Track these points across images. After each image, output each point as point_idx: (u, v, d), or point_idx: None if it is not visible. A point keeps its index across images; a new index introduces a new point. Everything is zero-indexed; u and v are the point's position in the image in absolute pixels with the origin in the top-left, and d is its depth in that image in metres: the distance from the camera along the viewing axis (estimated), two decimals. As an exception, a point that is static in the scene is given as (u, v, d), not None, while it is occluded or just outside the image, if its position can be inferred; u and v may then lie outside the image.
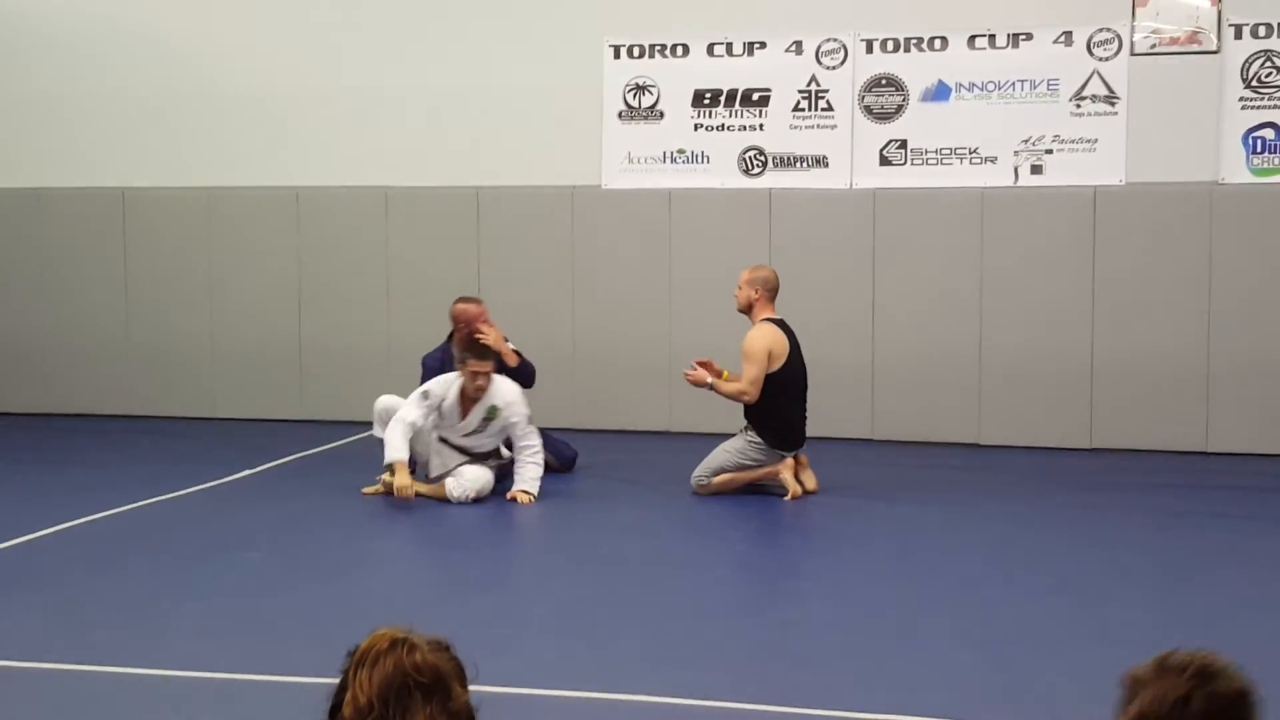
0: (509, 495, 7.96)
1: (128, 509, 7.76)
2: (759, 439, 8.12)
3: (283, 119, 10.71)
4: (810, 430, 9.08)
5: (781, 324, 8.20)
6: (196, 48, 10.82)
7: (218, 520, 7.60)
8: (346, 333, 10.64)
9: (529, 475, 8.03)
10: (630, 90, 10.18)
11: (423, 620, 5.65)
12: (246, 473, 8.82)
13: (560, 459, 8.81)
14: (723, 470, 8.14)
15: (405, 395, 8.30)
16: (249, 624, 5.69)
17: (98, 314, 11.06)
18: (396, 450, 7.87)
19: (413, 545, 7.25)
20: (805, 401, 8.30)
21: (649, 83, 10.15)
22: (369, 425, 10.31)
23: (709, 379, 8.08)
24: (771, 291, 8.22)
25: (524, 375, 8.53)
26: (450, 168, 10.41)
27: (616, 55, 10.19)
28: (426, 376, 8.51)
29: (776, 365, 8.07)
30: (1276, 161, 9.21)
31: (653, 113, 10.14)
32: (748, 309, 8.22)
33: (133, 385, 11.01)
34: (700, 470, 8.16)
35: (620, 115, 10.20)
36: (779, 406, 8.12)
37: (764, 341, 8.06)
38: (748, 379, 8.02)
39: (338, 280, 10.64)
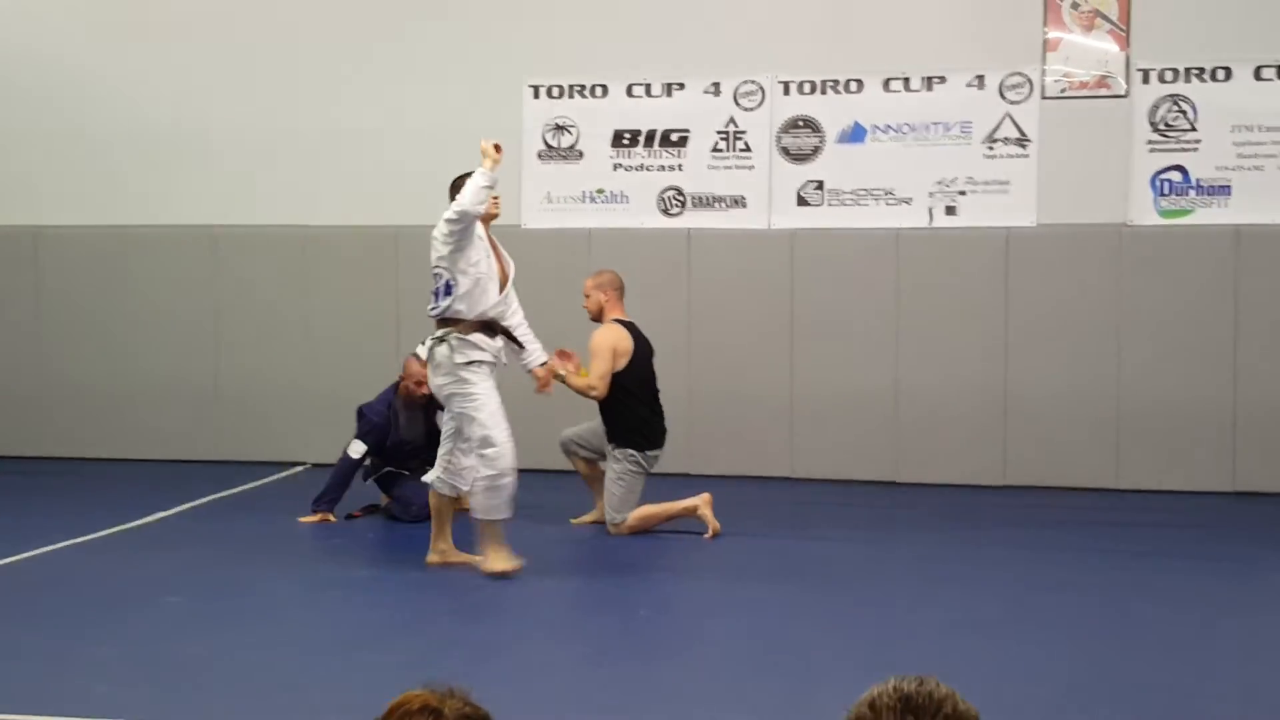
0: (546, 369, 7.54)
1: (41, 552, 7.64)
2: (627, 448, 8.20)
3: (200, 158, 10.64)
4: (731, 468, 9.15)
5: (630, 326, 8.37)
6: (111, 85, 10.73)
7: (135, 563, 7.51)
8: (264, 373, 10.56)
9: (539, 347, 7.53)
10: (550, 130, 10.22)
11: (341, 664, 5.63)
12: (163, 514, 8.71)
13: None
14: (623, 503, 8.17)
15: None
16: (169, 670, 5.61)
17: (9, 353, 10.88)
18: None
19: (333, 589, 7.18)
20: (658, 401, 8.42)
21: (568, 123, 10.20)
22: (286, 466, 10.29)
23: (560, 370, 8.10)
24: (619, 291, 8.42)
25: None
26: (370, 207, 10.39)
27: (536, 95, 10.23)
28: (367, 429, 8.52)
29: (622, 364, 8.22)
30: (1183, 203, 9.42)
31: (572, 152, 10.19)
32: (599, 313, 8.39)
33: (44, 426, 10.83)
34: (610, 512, 8.20)
35: (540, 155, 10.24)
36: (630, 408, 8.24)
37: (609, 340, 8.23)
38: (595, 374, 8.18)
39: (255, 320, 10.56)
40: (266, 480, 9.93)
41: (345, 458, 8.56)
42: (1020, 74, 9.57)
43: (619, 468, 8.23)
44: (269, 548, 7.90)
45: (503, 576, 7.03)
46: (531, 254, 10.18)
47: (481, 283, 7.14)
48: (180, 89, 10.66)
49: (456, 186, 7.29)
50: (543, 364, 7.61)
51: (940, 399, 9.69)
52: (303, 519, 8.48)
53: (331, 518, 8.52)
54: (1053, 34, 9.54)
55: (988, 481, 9.62)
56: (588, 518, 8.50)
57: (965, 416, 9.65)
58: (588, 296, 8.43)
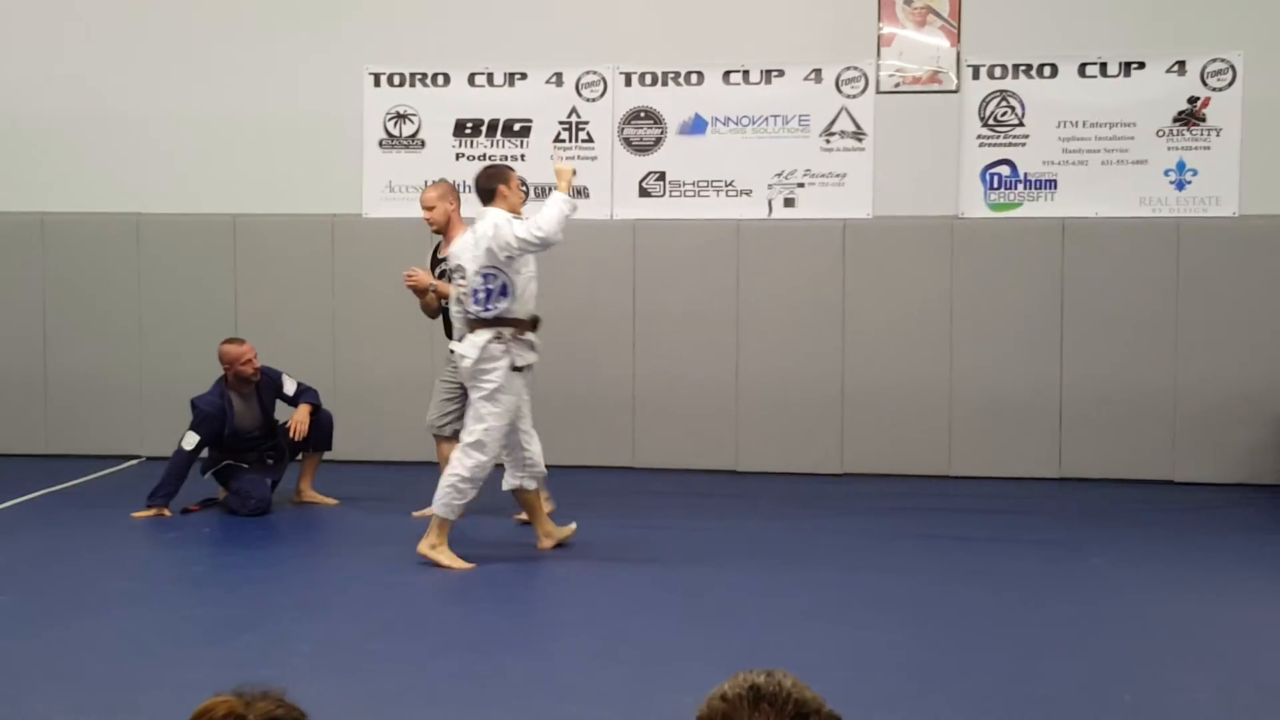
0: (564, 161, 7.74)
1: None
2: None
3: (28, 140, 10.33)
4: (573, 459, 9.18)
5: None
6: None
7: (-42, 563, 7.27)
8: (96, 364, 10.30)
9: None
10: (391, 119, 10.13)
11: (177, 663, 5.52)
12: (-12, 511, 8.46)
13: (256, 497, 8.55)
14: None
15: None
16: (-5, 673, 5.46)
17: None
18: None
19: (170, 584, 7.05)
20: None
21: (410, 111, 10.12)
22: (119, 460, 10.06)
23: (430, 282, 8.05)
24: (459, 200, 8.35)
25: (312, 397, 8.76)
26: (206, 194, 10.19)
27: (376, 83, 10.13)
28: (200, 420, 8.37)
29: None
30: (1012, 197, 9.69)
31: (414, 141, 10.12)
32: (446, 225, 8.23)
33: None
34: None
35: (381, 143, 10.14)
36: None
37: None
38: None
39: (86, 309, 10.29)
40: (99, 474, 9.68)
41: (179, 450, 8.40)
42: (856, 68, 9.75)
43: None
44: (101, 544, 7.72)
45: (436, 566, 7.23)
46: (373, 244, 10.12)
47: (533, 283, 7.30)
48: (7, 71, 10.33)
49: (487, 182, 7.36)
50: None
51: (779, 388, 9.83)
52: (137, 514, 8.30)
53: (166, 512, 8.35)
54: (887, 29, 9.73)
55: (826, 470, 9.79)
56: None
57: (803, 406, 9.81)
58: (431, 209, 8.16)
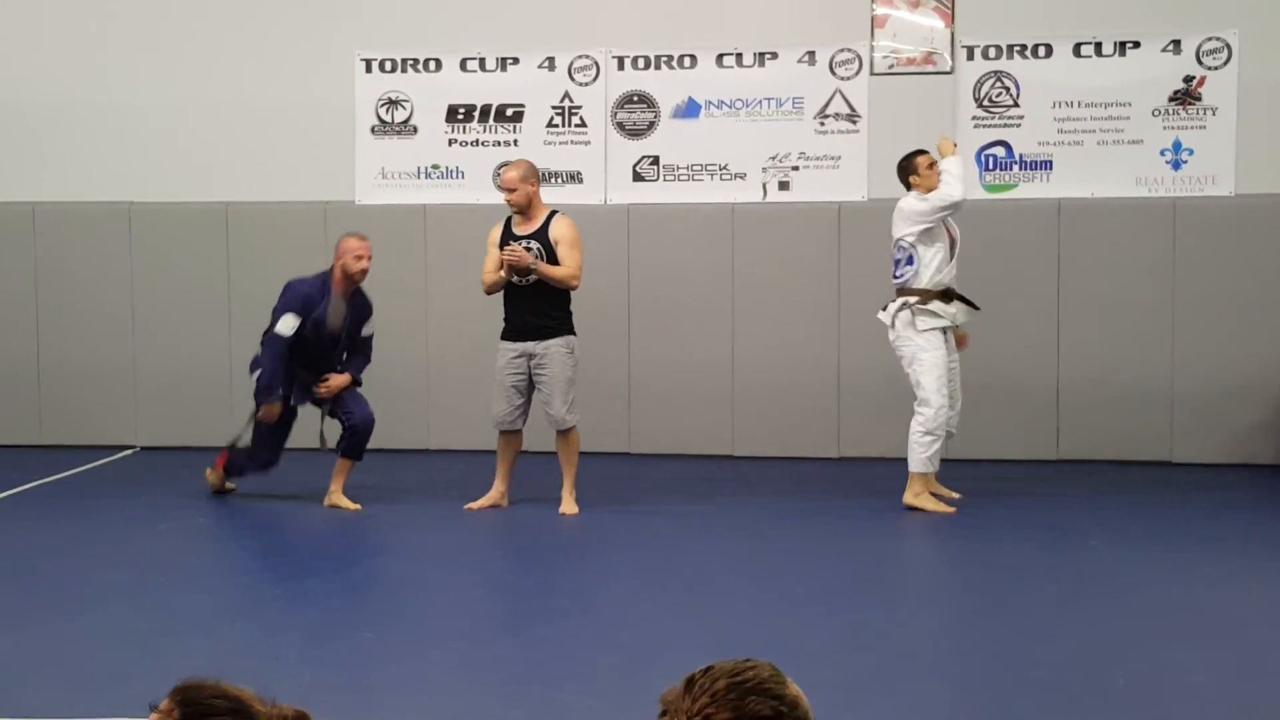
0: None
1: None
2: (571, 335, 8.16)
3: (17, 130, 10.28)
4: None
5: None
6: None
7: (-50, 554, 7.25)
8: (89, 353, 10.26)
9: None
10: (383, 104, 10.08)
11: (169, 654, 5.49)
12: (-18, 502, 8.44)
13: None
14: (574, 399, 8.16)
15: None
16: (-15, 665, 5.44)
17: None
18: None
19: (163, 574, 7.02)
20: None
21: (402, 97, 10.07)
22: (114, 450, 10.02)
23: (531, 260, 7.96)
24: (539, 182, 8.33)
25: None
26: (198, 182, 10.14)
27: (368, 69, 10.08)
28: (292, 298, 8.14)
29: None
30: (1007, 178, 9.65)
31: (406, 127, 10.07)
32: (528, 205, 8.14)
33: None
34: (566, 415, 8.07)
35: (373, 130, 10.09)
36: (569, 296, 8.21)
37: (577, 230, 8.17)
38: (577, 265, 8.08)
39: (79, 298, 10.25)
40: (93, 465, 9.65)
41: (275, 337, 8.07)
42: (850, 50, 9.69)
43: (570, 360, 8.13)
44: (95, 534, 7.70)
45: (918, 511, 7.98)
46: (365, 230, 9.99)
47: (940, 256, 8.07)
48: (-5, 60, 10.30)
49: (900, 173, 8.26)
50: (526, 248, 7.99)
51: (775, 371, 9.80)
52: (259, 417, 8.20)
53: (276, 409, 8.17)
54: (880, 10, 9.67)
55: (823, 454, 9.76)
56: (486, 501, 8.23)
57: (800, 389, 9.77)
58: (514, 190, 8.06)
